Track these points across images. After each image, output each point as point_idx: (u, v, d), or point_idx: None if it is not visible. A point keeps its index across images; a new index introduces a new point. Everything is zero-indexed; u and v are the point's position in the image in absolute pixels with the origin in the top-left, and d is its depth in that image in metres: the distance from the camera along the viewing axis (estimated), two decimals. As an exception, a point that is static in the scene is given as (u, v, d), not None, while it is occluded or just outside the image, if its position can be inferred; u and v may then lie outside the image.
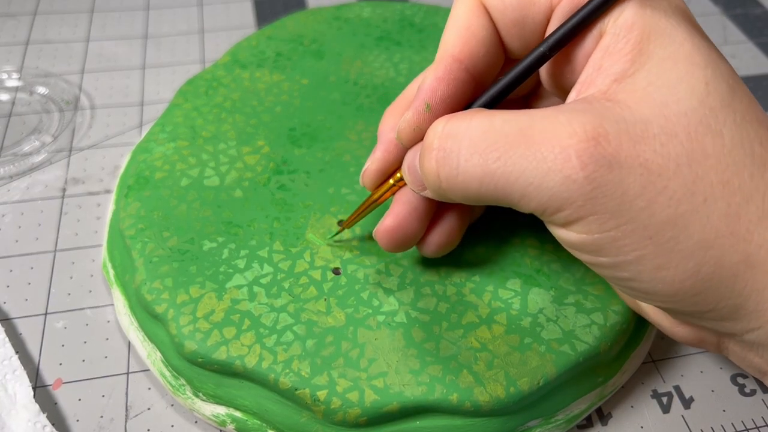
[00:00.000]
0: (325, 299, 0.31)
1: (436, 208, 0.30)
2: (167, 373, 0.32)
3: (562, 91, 0.27)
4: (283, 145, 0.39)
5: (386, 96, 0.42)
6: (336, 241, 0.34)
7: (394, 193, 0.30)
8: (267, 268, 0.33)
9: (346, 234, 0.34)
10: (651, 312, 0.28)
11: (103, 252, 0.37)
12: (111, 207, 0.38)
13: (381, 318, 0.31)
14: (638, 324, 0.33)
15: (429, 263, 0.33)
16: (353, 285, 0.32)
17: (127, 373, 0.34)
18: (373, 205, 0.31)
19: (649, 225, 0.21)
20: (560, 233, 0.23)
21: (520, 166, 0.22)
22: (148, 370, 0.34)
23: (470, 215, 0.32)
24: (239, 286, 0.32)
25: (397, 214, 0.29)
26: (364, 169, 0.31)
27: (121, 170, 0.40)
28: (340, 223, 0.35)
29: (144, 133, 0.45)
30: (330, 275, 0.32)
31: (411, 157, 0.28)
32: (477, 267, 0.33)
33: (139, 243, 0.33)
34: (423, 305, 0.31)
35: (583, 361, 0.30)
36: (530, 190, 0.22)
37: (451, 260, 0.33)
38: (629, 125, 0.22)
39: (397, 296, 0.32)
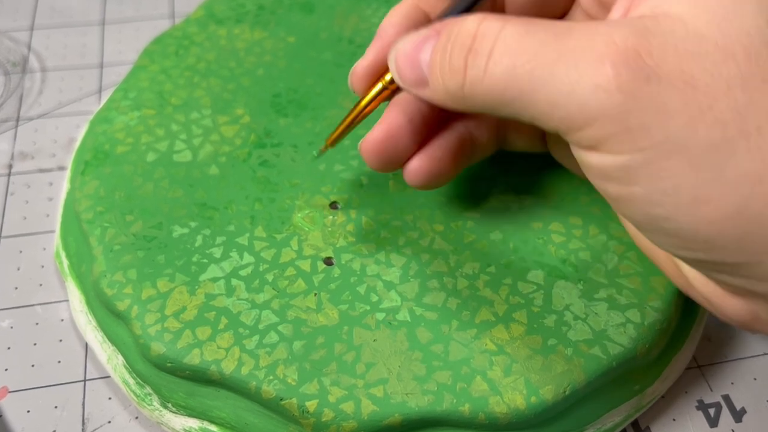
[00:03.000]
0: (316, 294, 0.31)
1: (431, 128, 0.30)
2: (131, 381, 0.32)
3: (604, 9, 0.28)
4: (265, 114, 0.38)
5: (387, 56, 0.42)
6: (328, 227, 0.34)
7: (385, 99, 0.30)
8: (247, 258, 0.32)
9: (340, 218, 0.34)
10: (697, 281, 0.28)
11: (56, 239, 0.37)
12: (65, 186, 0.38)
13: (380, 316, 0.31)
14: (681, 323, 0.33)
15: (437, 252, 0.33)
16: (348, 277, 0.32)
17: (84, 381, 0.34)
18: (362, 114, 0.31)
19: (690, 147, 0.21)
20: (588, 157, 0.24)
21: (550, 71, 0.23)
22: (109, 376, 0.34)
23: (470, 150, 0.32)
24: (215, 279, 0.32)
25: (389, 124, 0.29)
26: (354, 66, 0.31)
27: (77, 143, 0.40)
28: (333, 204, 0.34)
29: (103, 100, 0.45)
30: (321, 266, 0.32)
31: (407, 48, 0.28)
32: (492, 256, 0.33)
33: (98, 228, 0.33)
34: (430, 301, 0.31)
35: (616, 366, 0.30)
36: (558, 98, 0.23)
37: (463, 248, 0.33)
38: (678, 40, 0.22)
39: (399, 290, 0.32)
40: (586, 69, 0.22)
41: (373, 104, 0.30)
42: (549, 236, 0.34)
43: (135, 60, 0.46)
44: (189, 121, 0.38)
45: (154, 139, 0.37)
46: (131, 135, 0.37)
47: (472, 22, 0.25)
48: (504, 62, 0.24)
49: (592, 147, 0.23)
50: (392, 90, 0.30)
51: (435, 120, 0.30)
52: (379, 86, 0.30)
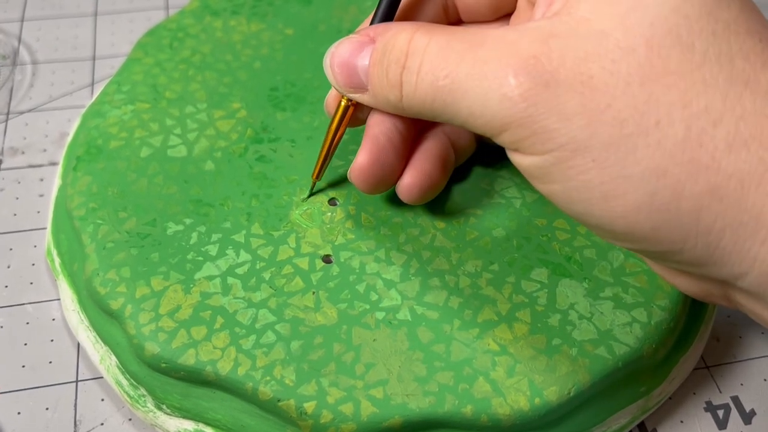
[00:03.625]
0: (314, 293, 0.31)
1: (412, 143, 0.32)
2: (124, 382, 0.32)
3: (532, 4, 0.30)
4: (262, 108, 0.38)
5: (387, 49, 0.42)
6: (327, 224, 0.34)
7: (354, 115, 0.32)
8: (244, 256, 0.32)
9: (339, 214, 0.34)
10: (661, 273, 0.28)
11: (48, 236, 0.37)
12: (57, 182, 0.38)
13: (380, 315, 0.31)
14: (689, 322, 0.33)
15: (438, 250, 0.33)
16: (347, 276, 0.32)
17: (76, 382, 0.34)
18: (336, 137, 0.32)
19: (591, 146, 0.23)
20: (514, 157, 0.25)
21: (465, 84, 0.25)
22: (102, 377, 0.34)
23: (453, 155, 0.34)
24: (210, 278, 0.32)
25: (371, 148, 0.31)
26: (326, 99, 0.33)
27: (69, 138, 0.40)
28: (331, 200, 0.34)
29: (96, 93, 0.45)
30: (319, 264, 0.32)
31: (343, 55, 0.30)
32: (495, 254, 0.33)
33: (91, 225, 0.33)
34: (431, 300, 0.31)
35: (622, 366, 0.30)
36: (474, 109, 0.25)
37: (465, 245, 0.33)
38: (580, 41, 0.23)
39: (399, 289, 0.32)
40: (493, 80, 0.24)
41: (343, 126, 0.32)
42: (553, 233, 0.34)
43: (128, 52, 0.46)
44: (184, 116, 0.38)
45: (148, 133, 0.37)
46: (124, 129, 0.37)
47: (404, 38, 0.27)
48: (428, 78, 0.26)
49: (514, 149, 0.25)
50: (354, 108, 0.32)
51: (413, 133, 0.32)
52: (342, 104, 0.31)
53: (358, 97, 0.30)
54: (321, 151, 0.33)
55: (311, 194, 0.35)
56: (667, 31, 0.23)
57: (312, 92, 0.39)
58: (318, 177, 0.34)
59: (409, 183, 0.32)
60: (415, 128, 0.32)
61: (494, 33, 0.25)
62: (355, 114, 0.32)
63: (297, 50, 0.41)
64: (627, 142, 0.22)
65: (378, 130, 0.31)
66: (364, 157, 0.31)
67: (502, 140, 0.25)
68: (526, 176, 0.25)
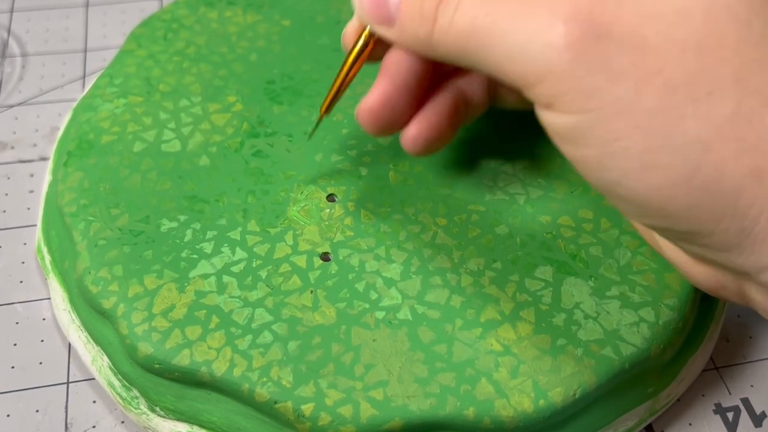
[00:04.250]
0: (312, 291, 0.31)
1: (425, 91, 0.31)
2: (116, 383, 0.32)
3: None
4: (259, 101, 0.38)
5: (387, 41, 0.42)
6: (325, 221, 0.34)
7: (371, 57, 0.31)
8: (240, 254, 0.32)
9: (337, 211, 0.34)
10: (666, 246, 0.28)
11: (38, 233, 0.37)
12: (47, 178, 0.38)
13: (380, 314, 0.31)
14: (698, 321, 0.33)
15: (439, 247, 0.33)
16: (346, 274, 0.32)
17: (67, 383, 0.34)
18: (351, 74, 0.32)
19: (637, 110, 0.22)
20: (544, 116, 0.25)
21: (508, 26, 0.24)
22: (93, 379, 0.34)
23: (465, 110, 0.32)
24: (205, 276, 0.32)
25: (384, 88, 0.30)
26: (345, 28, 0.32)
27: (60, 133, 0.40)
28: (330, 197, 0.34)
29: (88, 86, 0.45)
30: (317, 262, 0.32)
31: None
32: (498, 251, 0.33)
33: (82, 222, 0.33)
34: (432, 298, 0.31)
35: (629, 367, 0.30)
36: (514, 53, 0.24)
37: (467, 242, 0.33)
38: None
39: (400, 288, 0.32)
40: (540, 25, 0.23)
41: (359, 61, 0.31)
42: (558, 230, 0.34)
43: (121, 44, 0.46)
44: (178, 109, 0.38)
45: (142, 128, 0.37)
46: (117, 124, 0.37)
47: None
48: (468, 13, 0.25)
49: (547, 105, 0.24)
50: (374, 44, 0.30)
51: (428, 81, 0.31)
52: (361, 40, 0.30)
53: (383, 31, 0.29)
54: (332, 86, 0.32)
55: (315, 129, 0.34)
56: (726, 4, 0.23)
57: (310, 85, 0.39)
58: (327, 112, 0.33)
59: (414, 134, 0.31)
60: (433, 76, 0.31)
61: None
62: (374, 51, 0.31)
63: (294, 42, 0.41)
64: (676, 110, 0.22)
65: (394, 70, 0.30)
66: (375, 97, 0.30)
67: (536, 93, 0.24)
68: (555, 137, 0.25)
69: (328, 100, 0.32)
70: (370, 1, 0.28)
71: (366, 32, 0.30)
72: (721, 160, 0.22)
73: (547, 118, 0.24)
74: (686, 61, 0.22)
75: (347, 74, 0.31)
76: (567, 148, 0.24)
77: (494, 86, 0.33)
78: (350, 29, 0.31)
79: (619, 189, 0.23)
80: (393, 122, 0.30)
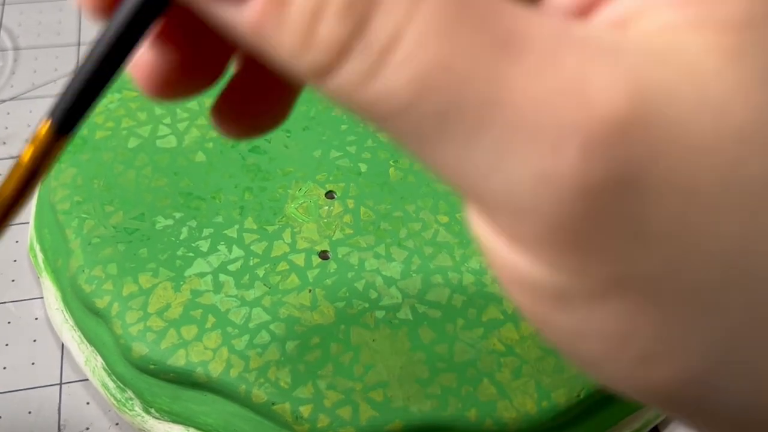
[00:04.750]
0: (310, 290, 0.31)
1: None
2: (110, 384, 0.32)
3: None
4: (256, 96, 0.38)
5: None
6: (324, 218, 0.34)
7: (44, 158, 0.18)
8: (237, 252, 0.32)
9: (336, 208, 0.34)
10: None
11: (30, 231, 0.37)
12: (39, 174, 0.38)
13: (380, 314, 0.31)
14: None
15: (441, 245, 0.33)
16: (345, 273, 0.32)
17: (60, 384, 0.34)
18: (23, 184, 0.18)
19: (666, 293, 0.16)
20: (497, 248, 0.16)
21: (478, 113, 0.14)
22: (87, 379, 0.34)
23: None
24: (202, 275, 0.32)
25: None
26: None
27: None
28: (329, 193, 0.34)
29: (81, 81, 0.45)
30: (316, 260, 0.32)
31: None
32: (502, 250, 0.33)
33: (76, 220, 0.33)
34: (433, 297, 0.31)
35: (635, 368, 0.30)
36: (469, 168, 0.15)
37: (469, 240, 0.33)
38: (683, 100, 0.15)
39: (400, 286, 0.32)
40: (532, 135, 0.14)
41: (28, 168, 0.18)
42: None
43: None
44: (174, 105, 0.38)
45: (136, 123, 0.37)
46: (111, 119, 0.37)
47: None
48: (413, 67, 0.14)
49: (510, 238, 0.16)
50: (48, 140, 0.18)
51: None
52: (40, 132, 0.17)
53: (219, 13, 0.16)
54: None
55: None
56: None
57: (308, 80, 0.39)
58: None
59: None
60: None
61: (547, 29, 0.15)
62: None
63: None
64: (719, 295, 0.15)
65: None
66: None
67: (497, 223, 0.15)
68: (505, 278, 0.17)
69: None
70: None
71: (46, 127, 0.17)
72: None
73: (504, 254, 0.16)
74: (754, 221, 0.15)
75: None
76: (522, 297, 0.17)
77: None
78: None
79: (593, 369, 0.17)
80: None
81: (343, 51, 0.15)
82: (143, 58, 0.19)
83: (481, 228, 0.16)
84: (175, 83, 0.20)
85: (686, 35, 0.15)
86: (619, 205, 0.14)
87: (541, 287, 0.16)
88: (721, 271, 0.15)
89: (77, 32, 0.48)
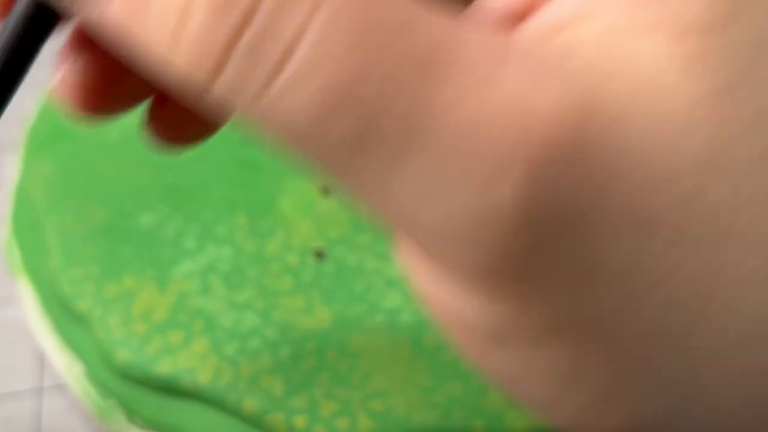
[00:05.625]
0: (305, 292, 0.31)
1: None
2: (92, 392, 0.32)
3: None
4: (247, 84, 0.38)
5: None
6: (319, 215, 0.34)
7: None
8: (226, 251, 0.32)
9: (333, 204, 0.34)
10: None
11: (7, 229, 0.37)
12: (17, 169, 0.38)
13: (380, 318, 0.31)
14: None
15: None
16: (343, 273, 0.32)
17: (39, 391, 0.33)
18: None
19: (614, 335, 0.15)
20: (430, 279, 0.16)
21: (400, 129, 0.13)
22: (67, 387, 0.33)
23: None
24: (189, 275, 0.32)
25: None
26: None
27: (31, 120, 0.40)
28: (325, 189, 0.34)
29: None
30: (311, 260, 0.32)
31: None
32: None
33: (55, 216, 0.33)
34: (437, 300, 0.31)
35: (652, 375, 0.30)
36: (401, 194, 0.14)
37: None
38: (638, 117, 0.14)
39: (402, 288, 0.32)
40: (467, 165, 0.13)
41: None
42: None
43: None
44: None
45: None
46: (93, 109, 0.37)
47: None
48: (315, 80, 0.13)
49: (442, 272, 0.16)
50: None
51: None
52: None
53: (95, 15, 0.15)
54: None
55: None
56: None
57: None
58: None
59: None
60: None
61: (476, 42, 0.14)
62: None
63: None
64: (683, 339, 0.15)
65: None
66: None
67: (428, 249, 0.15)
68: (449, 328, 0.17)
69: None
70: None
71: None
72: None
73: (431, 284, 0.16)
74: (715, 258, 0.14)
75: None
76: (458, 336, 0.17)
77: None
78: None
79: (540, 414, 0.17)
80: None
81: (221, 53, 0.14)
82: (67, 75, 0.20)
83: (411, 261, 0.16)
84: (104, 96, 0.20)
85: (639, 42, 0.14)
86: (565, 241, 0.14)
87: (478, 326, 0.15)
88: (679, 314, 0.14)
89: (58, 17, 0.48)
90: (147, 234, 0.33)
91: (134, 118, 0.36)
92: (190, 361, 0.29)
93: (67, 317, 0.32)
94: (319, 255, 0.33)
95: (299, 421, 0.28)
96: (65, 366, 0.33)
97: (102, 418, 0.32)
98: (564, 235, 0.14)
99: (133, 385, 0.30)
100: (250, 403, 0.29)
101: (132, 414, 0.31)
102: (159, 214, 0.34)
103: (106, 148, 0.35)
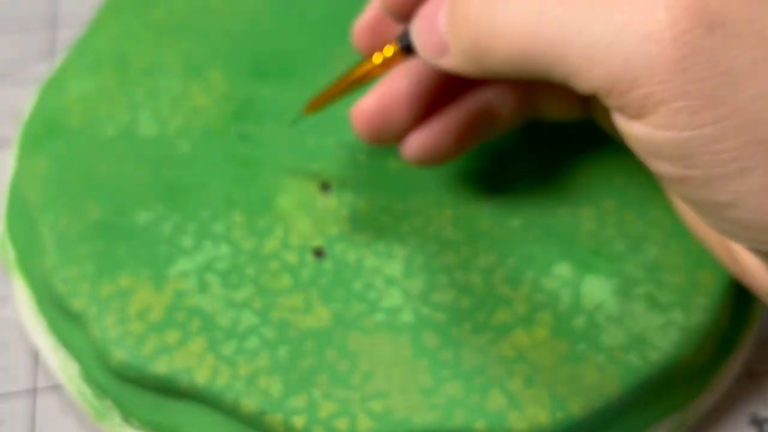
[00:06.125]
0: (304, 291, 0.31)
1: (438, 99, 0.30)
2: (88, 392, 0.32)
3: None
4: (246, 80, 0.38)
5: (388, 12, 0.41)
6: (319, 212, 0.34)
7: (383, 72, 0.29)
8: (224, 249, 0.32)
9: (332, 201, 0.34)
10: (762, 275, 0.27)
11: (1, 227, 0.37)
12: (11, 165, 0.38)
13: (380, 317, 0.31)
14: (733, 324, 0.33)
15: (446, 242, 0.33)
16: (342, 272, 0.32)
17: (34, 392, 0.33)
18: (358, 81, 0.30)
19: (762, 122, 0.20)
20: (634, 129, 0.22)
21: (587, 16, 0.21)
22: (62, 387, 0.34)
23: (487, 124, 0.31)
24: (186, 274, 0.32)
25: (383, 94, 0.29)
26: (356, 21, 0.31)
27: (25, 116, 0.40)
28: (324, 185, 0.34)
29: (56, 64, 0.45)
30: (310, 258, 0.32)
31: (429, 11, 0.26)
32: (511, 246, 0.33)
33: (50, 214, 0.33)
34: (438, 299, 0.31)
35: (656, 375, 0.30)
36: (597, 51, 0.21)
37: (477, 236, 0.33)
38: None
39: (402, 287, 0.32)
40: (633, 12, 0.20)
41: (374, 72, 0.30)
42: (578, 222, 0.33)
43: (93, 16, 0.46)
44: (156, 89, 0.38)
45: (115, 110, 0.37)
46: (88, 105, 0.37)
47: None
48: (524, 9, 0.22)
49: (638, 116, 0.21)
50: (391, 64, 0.29)
51: (444, 87, 0.30)
52: (381, 55, 0.29)
53: (442, 63, 0.26)
54: (332, 86, 0.31)
55: (295, 122, 0.35)
56: None
57: (303, 62, 0.39)
58: (313, 110, 0.32)
59: (413, 142, 0.30)
60: (451, 82, 0.30)
61: None
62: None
63: (286, 13, 0.41)
64: None
65: (400, 75, 0.29)
66: (371, 103, 0.29)
67: (624, 101, 0.21)
68: (645, 153, 0.22)
69: (322, 98, 0.31)
70: (422, 29, 0.26)
71: (394, 48, 0.28)
72: None
73: (637, 131, 0.22)
74: None
75: (356, 79, 0.30)
76: (661, 166, 0.22)
77: (531, 96, 0.32)
78: (363, 26, 0.30)
79: (732, 212, 0.22)
80: (391, 130, 0.30)
81: (474, 21, 0.24)
82: (367, 110, 0.29)
83: (630, 128, 0.22)
84: (385, 136, 0.30)
85: None
86: (707, 47, 0.20)
87: (666, 152, 0.21)
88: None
89: (52, 10, 0.48)
90: (143, 232, 0.33)
91: (128, 113, 0.36)
92: (186, 361, 0.29)
93: (61, 316, 0.32)
94: (318, 253, 0.32)
95: (298, 421, 0.28)
96: (60, 366, 0.33)
97: (97, 419, 0.32)
98: (704, 44, 0.20)
99: (129, 386, 0.30)
100: (248, 404, 0.29)
101: (128, 415, 0.31)
102: (155, 212, 0.33)
103: (101, 145, 0.35)
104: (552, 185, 0.34)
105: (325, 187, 0.34)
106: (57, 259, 0.32)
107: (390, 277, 0.32)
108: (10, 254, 0.35)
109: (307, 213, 0.34)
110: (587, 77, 0.22)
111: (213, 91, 0.38)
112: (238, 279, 0.32)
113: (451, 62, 0.25)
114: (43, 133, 0.36)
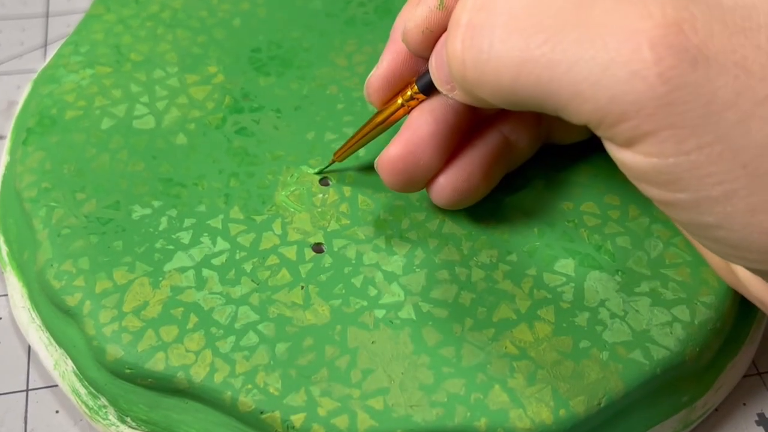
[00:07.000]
0: (303, 287, 0.31)
1: (460, 139, 0.31)
2: (82, 390, 0.32)
3: None
4: (243, 72, 0.38)
5: (388, 4, 0.41)
6: (318, 207, 0.33)
7: (405, 114, 0.31)
8: (221, 244, 0.32)
9: (332, 196, 0.34)
10: (752, 283, 0.28)
11: None
12: (4, 158, 0.38)
13: (380, 313, 0.31)
14: (738, 322, 0.33)
15: (447, 237, 0.33)
16: (341, 267, 0.32)
17: (27, 390, 0.34)
18: (378, 128, 0.32)
19: (744, 147, 0.21)
20: (623, 156, 0.23)
21: (573, 54, 0.22)
22: (56, 385, 0.34)
23: (508, 157, 0.32)
24: (183, 269, 0.32)
25: (408, 139, 0.30)
26: (369, 76, 0.31)
27: (19, 107, 0.40)
28: (323, 180, 0.34)
29: (50, 56, 0.45)
30: (309, 253, 0.32)
31: (440, 46, 0.28)
32: (513, 242, 0.33)
33: (43, 208, 0.33)
34: (439, 295, 0.31)
35: (661, 373, 0.30)
36: (584, 88, 0.22)
37: (478, 232, 0.33)
38: (725, 11, 0.21)
39: (402, 283, 0.32)
40: (618, 50, 0.21)
41: (391, 120, 0.31)
42: (581, 218, 0.33)
43: (87, 8, 0.46)
44: (152, 81, 0.37)
45: (111, 102, 0.37)
46: (83, 97, 0.37)
47: None
48: (512, 43, 0.23)
49: (627, 145, 0.23)
50: (411, 106, 0.30)
51: (464, 128, 0.30)
52: (399, 101, 0.31)
53: (452, 94, 0.28)
54: (353, 137, 0.33)
55: (324, 169, 0.35)
56: None
57: (300, 55, 0.39)
58: (340, 158, 0.34)
59: (442, 185, 0.31)
60: (470, 122, 0.31)
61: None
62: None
63: (283, 6, 0.41)
64: None
65: (422, 121, 0.30)
66: (397, 149, 0.30)
67: (613, 133, 0.22)
68: (637, 179, 0.24)
69: (347, 148, 0.33)
70: (435, 63, 0.28)
71: (411, 89, 0.30)
72: None
73: (627, 158, 0.23)
74: None
75: (374, 128, 0.32)
76: (651, 190, 0.23)
77: (546, 125, 0.33)
78: (376, 81, 0.31)
79: (719, 232, 0.23)
80: (418, 175, 0.30)
81: (462, 59, 0.25)
82: (393, 160, 0.30)
83: (620, 155, 0.23)
84: (413, 182, 0.30)
85: None
86: (691, 81, 0.21)
87: (655, 178, 0.22)
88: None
89: (45, 2, 0.48)
90: (139, 227, 0.33)
91: (123, 106, 0.36)
92: (183, 358, 0.29)
93: (55, 313, 0.32)
94: (317, 249, 0.32)
95: (296, 419, 0.28)
96: (54, 364, 0.32)
97: (92, 418, 0.32)
98: (687, 78, 0.21)
99: (125, 383, 0.30)
100: (246, 402, 0.29)
101: (123, 413, 0.31)
102: (151, 206, 0.33)
103: (96, 138, 0.35)
104: (555, 181, 0.34)
105: (324, 181, 0.34)
106: (51, 254, 0.32)
107: (390, 273, 0.32)
108: (3, 250, 0.35)
109: (306, 208, 0.34)
110: (577, 111, 0.23)
111: (209, 84, 0.38)
112: (236, 275, 0.31)
113: (459, 96, 0.27)
114: (36, 126, 0.36)
